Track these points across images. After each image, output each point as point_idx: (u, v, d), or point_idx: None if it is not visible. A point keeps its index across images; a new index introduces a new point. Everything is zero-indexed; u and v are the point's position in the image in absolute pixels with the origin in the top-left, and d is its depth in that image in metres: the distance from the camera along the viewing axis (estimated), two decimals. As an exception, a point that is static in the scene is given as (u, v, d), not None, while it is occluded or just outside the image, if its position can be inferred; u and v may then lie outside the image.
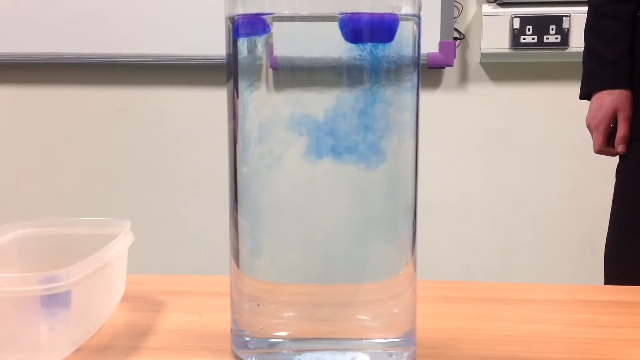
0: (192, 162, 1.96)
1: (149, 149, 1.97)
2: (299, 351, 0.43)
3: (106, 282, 0.53)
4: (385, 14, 0.40)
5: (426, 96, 1.89)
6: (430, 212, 1.90)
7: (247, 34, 0.41)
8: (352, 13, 0.39)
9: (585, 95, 1.25)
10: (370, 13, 0.40)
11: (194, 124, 1.94)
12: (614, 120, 1.20)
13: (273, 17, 0.40)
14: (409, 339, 0.45)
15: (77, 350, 0.49)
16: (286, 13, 0.40)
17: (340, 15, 0.39)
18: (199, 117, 1.93)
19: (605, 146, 1.22)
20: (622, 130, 1.19)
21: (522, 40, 1.79)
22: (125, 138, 1.97)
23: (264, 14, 0.40)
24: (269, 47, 0.41)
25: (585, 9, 1.25)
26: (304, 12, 0.40)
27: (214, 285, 0.63)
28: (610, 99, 1.18)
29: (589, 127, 1.24)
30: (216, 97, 1.86)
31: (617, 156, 1.23)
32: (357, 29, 0.40)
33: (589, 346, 0.50)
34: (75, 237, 0.58)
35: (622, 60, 1.18)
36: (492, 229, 1.94)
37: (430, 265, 1.86)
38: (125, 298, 0.58)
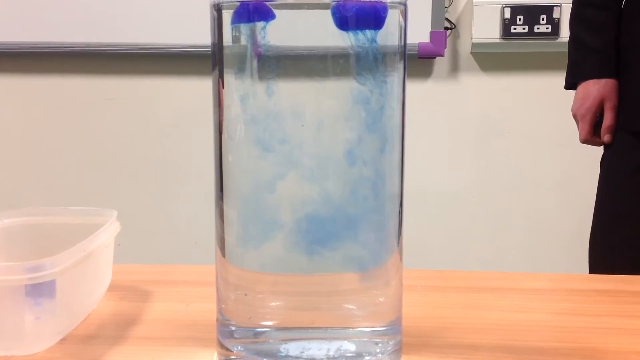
0: (181, 151, 1.95)
1: (137, 138, 1.96)
2: (285, 340, 0.43)
3: (92, 272, 0.52)
4: (373, 1, 0.40)
5: (417, 86, 1.89)
6: (421, 202, 1.90)
7: (249, 21, 0.40)
8: (344, 0, 0.39)
9: (570, 84, 1.25)
10: (361, 1, 0.40)
11: (183, 113, 1.93)
12: (600, 109, 1.20)
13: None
14: (394, 327, 0.45)
15: (63, 339, 0.49)
16: (278, 1, 0.40)
17: (333, 3, 0.39)
18: (188, 106, 1.92)
19: (592, 136, 1.22)
20: (608, 119, 1.19)
21: (512, 30, 1.79)
22: (113, 127, 1.96)
23: (258, 2, 0.40)
24: (255, 35, 0.40)
25: (575, -1, 1.25)
26: (294, 0, 0.40)
27: (201, 275, 0.63)
28: (596, 88, 1.18)
29: (575, 116, 1.24)
30: (206, 87, 1.85)
31: (602, 146, 1.24)
32: (349, 15, 0.40)
33: (575, 334, 0.51)
34: (61, 227, 0.57)
35: (608, 49, 1.18)
36: (483, 219, 1.95)
37: (421, 256, 1.87)
38: (112, 287, 0.58)
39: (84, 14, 1.85)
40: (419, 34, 1.78)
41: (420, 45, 1.78)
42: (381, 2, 0.41)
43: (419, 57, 1.81)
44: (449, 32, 1.85)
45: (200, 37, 1.63)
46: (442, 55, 1.82)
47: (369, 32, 0.40)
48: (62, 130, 1.97)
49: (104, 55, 1.89)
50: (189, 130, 1.93)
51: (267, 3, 0.39)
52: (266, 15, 0.39)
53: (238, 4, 0.40)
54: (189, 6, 1.81)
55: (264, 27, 0.40)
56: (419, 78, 1.89)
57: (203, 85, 1.86)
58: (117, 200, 1.96)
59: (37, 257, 0.46)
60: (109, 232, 0.54)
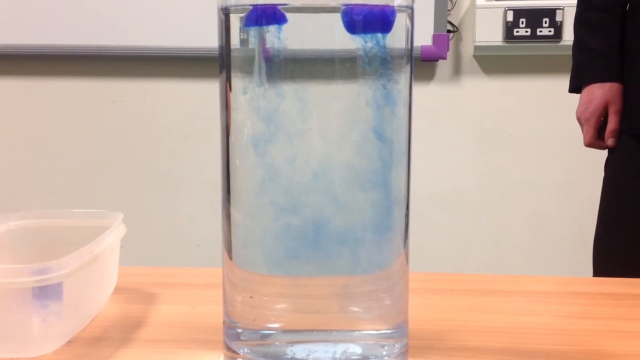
0: (186, 154, 1.95)
1: (142, 141, 1.96)
2: (292, 343, 0.44)
3: (98, 274, 0.53)
4: (382, 5, 0.41)
5: (419, 89, 1.89)
6: (424, 205, 1.90)
7: (261, 25, 0.40)
8: (354, 4, 0.40)
9: (574, 88, 1.25)
10: (370, 5, 0.40)
11: (188, 116, 1.94)
12: (604, 113, 1.20)
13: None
14: (401, 330, 0.45)
15: (69, 342, 0.49)
16: (289, 5, 0.40)
17: (343, 7, 0.39)
18: (193, 109, 1.93)
19: (596, 139, 1.22)
20: (612, 123, 1.19)
21: (515, 33, 1.79)
22: (118, 130, 1.96)
23: (272, 5, 0.40)
24: (265, 38, 0.41)
25: (578, 1, 1.25)
26: (304, 4, 0.40)
27: (207, 278, 0.63)
28: (601, 92, 1.18)
29: (579, 120, 1.24)
30: (210, 90, 1.85)
31: (606, 149, 1.24)
32: (359, 19, 0.40)
33: (580, 337, 0.51)
34: (67, 229, 0.57)
35: (613, 52, 1.18)
36: (486, 221, 1.95)
37: (424, 259, 1.87)
38: (118, 290, 0.58)
39: (88, 16, 1.85)
40: (422, 36, 1.78)
41: (423, 48, 1.79)
42: (389, 5, 0.41)
43: (422, 60, 1.81)
44: (451, 35, 1.85)
45: (205, 40, 1.64)
46: (444, 58, 1.82)
47: (377, 36, 0.40)
48: (66, 133, 1.97)
49: (108, 58, 1.89)
50: (193, 133, 1.94)
51: (280, 7, 0.39)
52: (279, 19, 0.40)
53: (248, 7, 0.41)
54: (194, 9, 1.81)
55: (276, 31, 0.40)
56: (422, 81, 1.90)
57: (208, 89, 1.87)
58: (120, 202, 1.96)
59: (43, 259, 0.46)
60: (115, 234, 0.54)
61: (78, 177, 1.99)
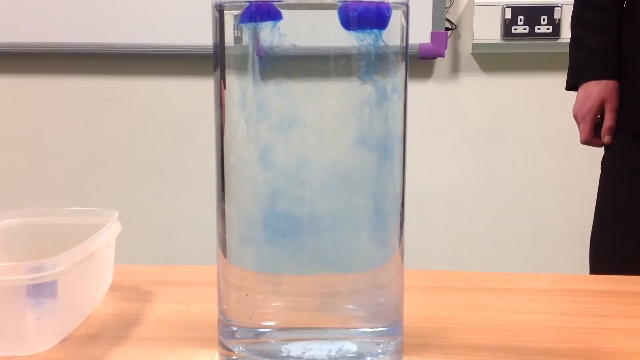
0: (182, 152, 1.95)
1: (138, 139, 1.96)
2: (287, 341, 0.43)
3: (93, 272, 0.52)
4: (378, 1, 0.41)
5: (417, 86, 1.89)
6: (422, 203, 1.90)
7: (257, 21, 0.40)
8: (350, 1, 0.39)
9: (571, 86, 1.25)
10: (366, 1, 0.40)
11: (184, 114, 1.93)
12: (600, 111, 1.20)
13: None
14: (396, 328, 0.45)
15: (64, 340, 0.49)
16: (285, 1, 0.40)
17: (340, 3, 0.39)
18: (189, 107, 1.92)
19: (592, 137, 1.22)
20: (608, 121, 1.19)
21: (513, 31, 1.79)
22: (114, 128, 1.96)
23: (267, 2, 0.40)
24: (257, 35, 0.40)
25: (575, -1, 1.25)
26: (299, 0, 0.40)
27: (203, 275, 0.63)
28: (597, 89, 1.19)
29: (575, 117, 1.24)
30: (207, 87, 1.85)
31: (603, 147, 1.24)
32: (355, 15, 0.40)
33: (576, 335, 0.51)
34: (62, 227, 0.57)
35: (609, 50, 1.18)
36: (483, 219, 1.95)
37: (422, 257, 1.87)
38: (114, 288, 0.58)
39: (84, 14, 1.85)
40: (420, 34, 1.78)
41: (421, 45, 1.78)
42: (385, 2, 0.41)
43: (420, 58, 1.81)
44: (449, 32, 1.85)
45: (202, 37, 1.63)
46: (442, 56, 1.82)
47: (373, 32, 0.40)
48: (62, 131, 1.97)
49: (104, 56, 1.89)
50: (189, 131, 1.93)
51: (275, 3, 0.39)
52: (274, 15, 0.39)
53: (243, 4, 0.41)
54: (190, 6, 1.81)
55: (272, 28, 0.40)
56: (420, 78, 1.89)
57: (204, 86, 1.86)
58: (118, 200, 1.96)
59: (38, 257, 0.46)
60: (110, 232, 0.54)
61: (74, 175, 1.98)
